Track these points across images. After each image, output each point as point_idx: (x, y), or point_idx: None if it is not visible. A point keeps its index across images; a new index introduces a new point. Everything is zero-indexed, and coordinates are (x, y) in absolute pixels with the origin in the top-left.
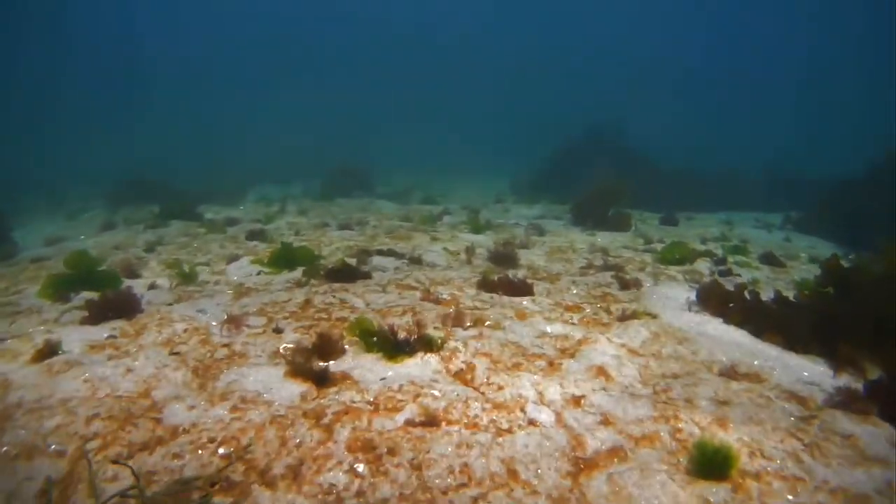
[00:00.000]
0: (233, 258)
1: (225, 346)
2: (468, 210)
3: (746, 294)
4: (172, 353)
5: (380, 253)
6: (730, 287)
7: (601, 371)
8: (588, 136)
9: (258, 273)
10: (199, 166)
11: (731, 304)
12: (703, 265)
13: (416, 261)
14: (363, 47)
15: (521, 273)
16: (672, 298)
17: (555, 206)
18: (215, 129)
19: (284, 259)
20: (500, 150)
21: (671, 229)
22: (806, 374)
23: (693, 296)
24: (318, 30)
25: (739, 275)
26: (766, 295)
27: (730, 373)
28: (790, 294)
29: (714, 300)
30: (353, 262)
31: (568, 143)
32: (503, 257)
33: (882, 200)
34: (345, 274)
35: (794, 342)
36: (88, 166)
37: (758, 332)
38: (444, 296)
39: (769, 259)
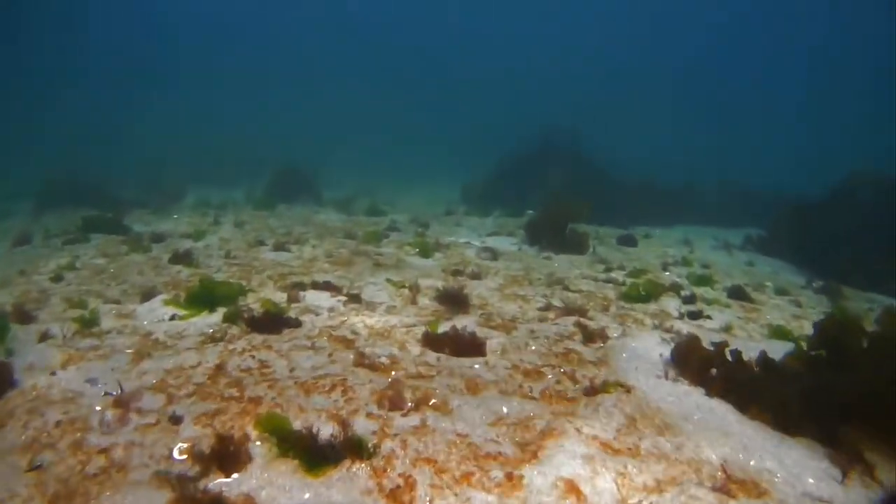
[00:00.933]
0: (148, 293)
1: (103, 451)
2: (416, 223)
3: (728, 355)
4: (32, 469)
5: (315, 286)
6: (703, 334)
7: (571, 488)
8: (542, 145)
9: (172, 317)
10: (149, 167)
11: (712, 370)
12: (670, 303)
13: (355, 298)
14: (329, 55)
15: (472, 319)
16: (644, 357)
17: (508, 220)
18: (187, 132)
19: (203, 299)
20: (457, 155)
21: (630, 251)
22: (811, 480)
23: (667, 352)
24: (286, 39)
25: (710, 316)
26: (746, 348)
27: (724, 487)
28: (771, 346)
29: (693, 364)
30: (283, 297)
31: (521, 151)
32: (453, 297)
33: (845, 224)
34: (270, 322)
35: (785, 422)
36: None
37: (743, 405)
38: (382, 359)
39: (737, 293)
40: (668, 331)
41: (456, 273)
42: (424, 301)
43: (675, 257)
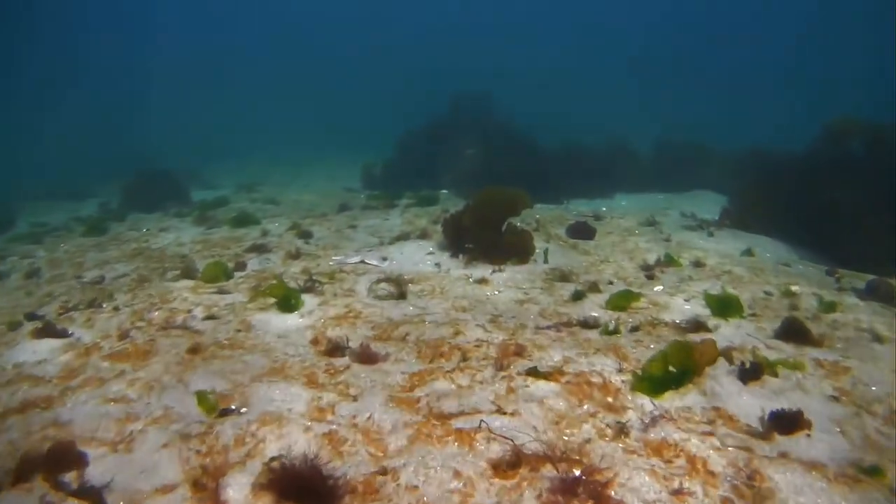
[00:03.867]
0: None
1: None
2: (296, 232)
3: None
4: None
5: (27, 464)
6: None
7: None
8: (453, 113)
9: None
10: None
11: None
12: (724, 386)
13: (92, 498)
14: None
15: None
16: None
17: (419, 211)
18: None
19: None
20: (364, 131)
21: (590, 247)
22: None
23: None
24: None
25: (806, 416)
26: None
27: None
28: None
29: None
30: None
31: (430, 122)
32: (309, 487)
33: (839, 186)
34: None
35: None
36: None
37: None
38: None
39: (792, 332)
40: None
41: (333, 353)
42: (236, 496)
43: (651, 250)
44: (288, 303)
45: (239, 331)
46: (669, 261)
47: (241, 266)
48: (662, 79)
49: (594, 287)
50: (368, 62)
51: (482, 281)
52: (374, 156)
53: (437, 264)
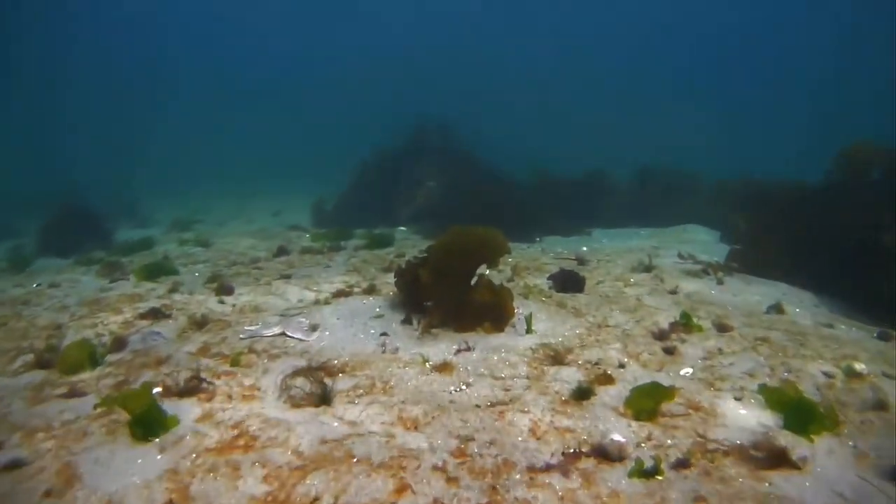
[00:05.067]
0: None
1: None
2: (213, 286)
3: None
4: None
5: None
6: None
7: None
8: (415, 143)
9: None
10: None
11: None
12: None
13: None
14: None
15: None
16: None
17: (369, 256)
18: None
19: None
20: (326, 162)
21: (581, 305)
22: None
23: None
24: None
25: None
26: None
27: None
28: None
29: None
30: None
31: (388, 152)
32: None
33: (865, 222)
34: None
35: None
36: None
37: None
38: None
39: None
40: None
41: None
42: None
43: (659, 308)
44: (147, 425)
45: (49, 493)
46: (687, 323)
47: (118, 345)
48: (659, 104)
49: (602, 375)
50: (336, 89)
51: (444, 367)
52: (332, 188)
53: (384, 335)
